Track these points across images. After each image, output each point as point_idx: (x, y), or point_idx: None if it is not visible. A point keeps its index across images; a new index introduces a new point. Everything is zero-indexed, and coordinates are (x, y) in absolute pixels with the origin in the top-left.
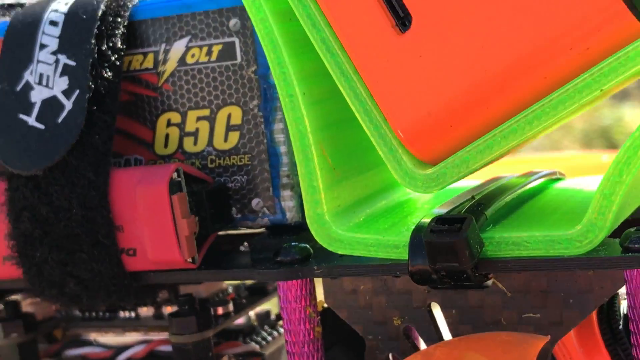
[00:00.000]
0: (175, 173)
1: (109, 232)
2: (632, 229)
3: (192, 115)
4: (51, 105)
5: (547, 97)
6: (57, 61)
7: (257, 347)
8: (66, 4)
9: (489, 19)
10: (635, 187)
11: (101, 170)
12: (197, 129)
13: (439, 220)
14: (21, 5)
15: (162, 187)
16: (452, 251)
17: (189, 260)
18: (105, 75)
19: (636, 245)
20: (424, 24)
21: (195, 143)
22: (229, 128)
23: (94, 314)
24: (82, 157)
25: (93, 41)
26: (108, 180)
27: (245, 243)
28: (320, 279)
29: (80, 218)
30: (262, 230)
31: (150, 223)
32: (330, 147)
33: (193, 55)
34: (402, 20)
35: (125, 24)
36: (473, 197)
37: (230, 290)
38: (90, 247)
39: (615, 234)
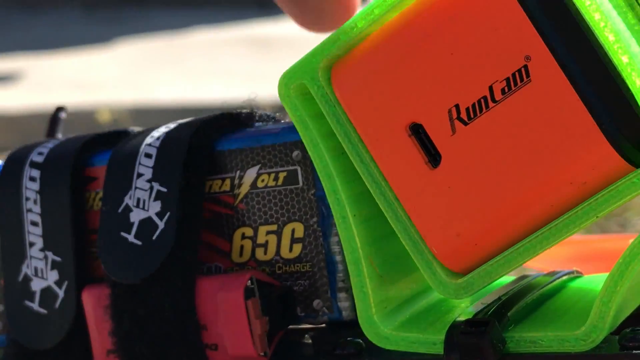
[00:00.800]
0: (249, 281)
1: (196, 330)
2: (627, 330)
3: (262, 229)
4: (147, 225)
5: (553, 221)
6: (151, 188)
7: None
8: (158, 138)
9: (504, 161)
10: (632, 291)
11: (188, 279)
12: (266, 241)
13: (467, 323)
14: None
15: (238, 294)
16: (478, 350)
17: (262, 354)
18: (191, 199)
19: (630, 344)
20: (451, 163)
21: (265, 253)
22: (293, 240)
23: None
24: (173, 269)
25: (180, 171)
26: (194, 287)
27: (307, 336)
28: None
29: (172, 319)
30: (323, 325)
31: (229, 323)
32: (378, 257)
33: (263, 181)
34: (434, 157)
35: (207, 155)
36: (500, 298)
37: None
38: (180, 343)
39: (618, 330)
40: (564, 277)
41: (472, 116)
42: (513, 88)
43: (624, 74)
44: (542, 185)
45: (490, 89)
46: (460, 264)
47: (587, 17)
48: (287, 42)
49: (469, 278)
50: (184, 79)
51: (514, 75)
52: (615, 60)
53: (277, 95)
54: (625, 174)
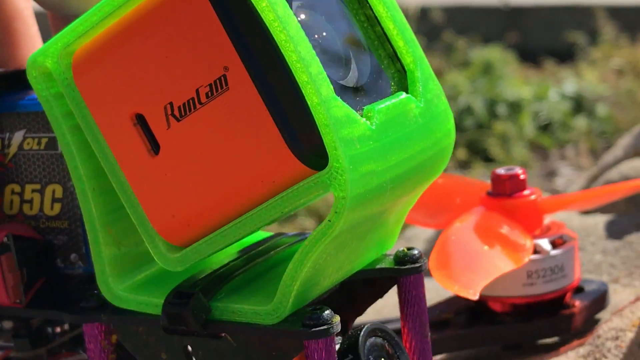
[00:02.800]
0: (5, 238)
1: None
2: (308, 309)
3: (28, 188)
4: None
5: (249, 212)
6: None
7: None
8: None
9: (208, 157)
10: (318, 274)
11: None
12: (32, 199)
13: (176, 294)
14: None
15: None
16: (181, 319)
17: (17, 301)
18: None
19: (307, 322)
20: (168, 153)
21: (31, 209)
22: (54, 200)
23: None
24: None
25: None
26: None
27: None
28: None
29: None
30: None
31: None
32: (116, 226)
33: (28, 144)
34: (154, 146)
35: None
36: (215, 271)
37: None
38: None
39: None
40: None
41: (183, 114)
42: (215, 94)
43: (304, 92)
44: (239, 181)
45: (197, 92)
46: (177, 240)
47: (275, 37)
48: None
49: (183, 253)
50: None
51: (215, 82)
52: (297, 78)
53: None
54: (307, 176)
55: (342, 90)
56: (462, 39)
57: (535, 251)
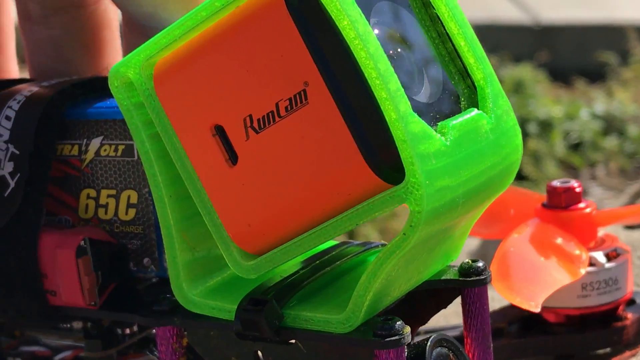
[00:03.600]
0: (82, 241)
1: (37, 278)
2: (379, 318)
3: (104, 192)
4: (1, 183)
5: (323, 223)
6: (7, 149)
7: (155, 356)
8: (18, 102)
9: (286, 168)
10: (389, 285)
11: (32, 233)
12: (107, 203)
13: (250, 300)
14: None
15: (71, 252)
16: (254, 325)
17: (92, 304)
18: (40, 162)
19: (379, 332)
20: (246, 164)
21: (105, 213)
22: (129, 205)
23: None
24: (19, 224)
25: (32, 138)
26: (37, 240)
27: (139, 288)
28: None
29: (16, 267)
30: (154, 280)
31: (63, 276)
32: (191, 232)
33: (105, 150)
34: (232, 157)
35: (58, 123)
36: (287, 279)
37: None
38: (24, 288)
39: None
40: (370, 250)
41: (262, 126)
42: (294, 107)
43: (383, 108)
44: (315, 193)
45: (277, 105)
46: (251, 248)
47: (355, 54)
48: None
49: (257, 261)
50: None
51: (295, 96)
52: (376, 94)
53: None
54: (382, 190)
55: (416, 106)
56: (492, 57)
57: (591, 264)
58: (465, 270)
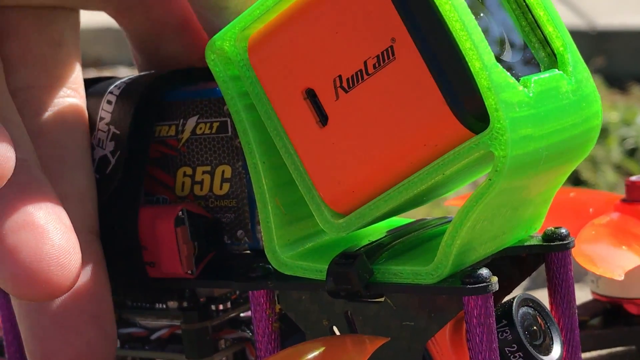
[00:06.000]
0: (180, 212)
1: (137, 250)
2: (468, 268)
3: (199, 170)
4: (103, 161)
5: (411, 176)
6: (109, 130)
7: (248, 333)
8: (119, 88)
9: (375, 124)
10: (478, 237)
11: (133, 207)
12: (202, 180)
13: (342, 255)
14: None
15: (170, 222)
16: (346, 279)
17: (189, 272)
18: (139, 141)
19: (467, 279)
20: (336, 124)
21: (201, 189)
22: (223, 180)
23: (138, 303)
24: (120, 198)
25: (131, 118)
26: (137, 214)
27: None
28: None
29: (118, 239)
30: (247, 252)
31: (163, 246)
32: (284, 199)
33: (200, 129)
34: (323, 118)
35: (156, 105)
36: (377, 240)
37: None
38: (125, 260)
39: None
40: (451, 222)
41: (351, 85)
42: (382, 64)
43: (467, 58)
44: (403, 147)
45: (365, 63)
46: (342, 207)
47: (440, 7)
48: None
49: (347, 219)
50: None
51: (382, 53)
52: (460, 46)
53: None
54: (467, 139)
55: (500, 62)
56: None
57: None
58: (549, 236)
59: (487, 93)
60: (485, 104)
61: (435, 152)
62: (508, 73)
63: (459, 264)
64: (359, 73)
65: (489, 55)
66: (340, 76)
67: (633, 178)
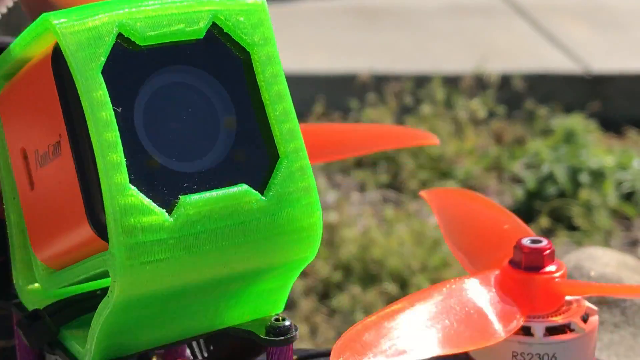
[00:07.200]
0: None
1: None
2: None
3: None
4: None
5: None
6: None
7: None
8: None
9: (53, 204)
10: (126, 333)
11: None
12: None
13: (30, 315)
14: None
15: None
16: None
17: None
18: None
19: None
20: (37, 191)
21: None
22: None
23: None
24: None
25: None
26: None
27: None
28: None
29: None
30: None
31: None
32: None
33: None
34: (31, 183)
35: None
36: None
37: None
38: None
39: None
40: None
41: (42, 163)
42: (56, 154)
43: (100, 177)
44: (56, 238)
45: (49, 147)
46: (51, 266)
47: (87, 121)
48: (392, 13)
49: (49, 279)
50: (287, 48)
51: (55, 144)
52: (97, 163)
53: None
54: (104, 249)
55: (167, 175)
56: (543, 107)
57: (528, 334)
58: (272, 329)
59: (109, 216)
60: (107, 226)
61: (77, 255)
62: (144, 196)
63: (117, 352)
64: (46, 154)
65: (120, 177)
66: (37, 150)
67: (524, 240)
